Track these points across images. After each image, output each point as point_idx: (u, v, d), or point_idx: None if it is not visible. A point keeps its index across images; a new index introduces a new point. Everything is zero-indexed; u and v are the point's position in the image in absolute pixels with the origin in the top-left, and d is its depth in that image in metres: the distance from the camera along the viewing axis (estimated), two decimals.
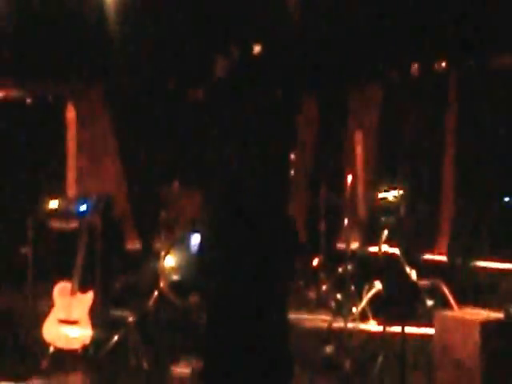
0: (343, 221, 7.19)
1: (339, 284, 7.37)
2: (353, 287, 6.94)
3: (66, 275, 5.97)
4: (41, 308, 6.20)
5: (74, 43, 7.83)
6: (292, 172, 7.94)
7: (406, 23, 7.43)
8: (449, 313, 5.85)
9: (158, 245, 7.59)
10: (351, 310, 6.80)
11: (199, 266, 6.45)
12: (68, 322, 5.79)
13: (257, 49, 4.82)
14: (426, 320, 6.37)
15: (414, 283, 7.01)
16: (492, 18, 7.05)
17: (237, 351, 4.21)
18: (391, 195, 7.04)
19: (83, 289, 5.90)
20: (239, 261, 4.29)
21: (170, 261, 7.10)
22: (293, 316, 6.28)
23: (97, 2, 7.00)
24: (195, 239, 7.17)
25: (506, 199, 7.94)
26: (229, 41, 5.07)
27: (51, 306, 5.88)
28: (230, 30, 6.72)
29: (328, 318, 6.88)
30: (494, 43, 7.51)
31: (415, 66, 8.41)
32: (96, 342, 5.85)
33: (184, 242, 7.27)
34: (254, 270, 4.27)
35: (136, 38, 7.81)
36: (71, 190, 8.70)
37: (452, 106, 8.42)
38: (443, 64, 8.31)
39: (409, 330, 5.74)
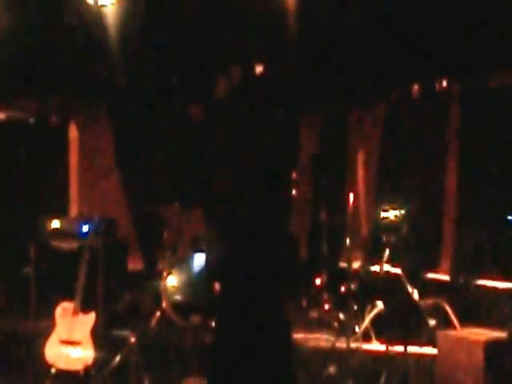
0: (345, 240, 7.18)
1: (342, 303, 7.34)
2: (355, 307, 6.92)
3: (68, 296, 5.96)
4: (43, 329, 6.18)
5: (76, 63, 7.87)
6: (294, 191, 7.97)
7: (406, 42, 7.45)
8: (452, 332, 5.84)
9: (160, 265, 7.58)
10: (354, 329, 6.78)
11: (205, 285, 6.45)
12: (70, 342, 5.77)
13: (258, 69, 4.85)
14: (429, 340, 6.35)
15: (416, 303, 6.99)
16: (492, 36, 7.08)
17: (241, 371, 4.21)
18: (393, 214, 7.04)
19: (85, 309, 5.89)
20: (242, 279, 4.29)
21: (172, 281, 7.09)
22: (295, 335, 6.27)
23: (98, 22, 7.03)
24: (198, 259, 7.17)
25: (510, 217, 7.93)
26: (230, 61, 5.10)
27: (53, 326, 5.86)
28: (232, 50, 6.76)
29: (331, 337, 6.86)
30: (494, 62, 7.53)
31: (416, 86, 8.44)
32: (98, 363, 5.83)
33: (186, 261, 7.27)
34: (256, 288, 4.27)
35: (138, 57, 7.85)
36: (73, 211, 8.73)
37: (453, 125, 8.43)
38: (444, 83, 8.33)
39: (411, 349, 5.73)
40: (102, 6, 6.78)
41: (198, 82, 7.92)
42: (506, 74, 7.75)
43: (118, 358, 5.98)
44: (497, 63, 7.54)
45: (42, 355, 5.79)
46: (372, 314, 6.94)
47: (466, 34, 7.18)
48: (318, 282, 8.28)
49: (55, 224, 7.06)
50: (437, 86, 8.37)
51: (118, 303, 7.54)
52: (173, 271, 7.08)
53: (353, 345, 6.37)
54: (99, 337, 5.95)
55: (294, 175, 7.70)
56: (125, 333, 6.53)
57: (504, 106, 7.80)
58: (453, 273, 8.09)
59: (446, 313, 6.99)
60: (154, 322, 6.88)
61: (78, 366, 5.74)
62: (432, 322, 6.90)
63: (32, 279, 6.54)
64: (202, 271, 7.02)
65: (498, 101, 7.85)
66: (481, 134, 8.07)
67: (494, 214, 7.98)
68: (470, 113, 8.21)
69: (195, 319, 6.78)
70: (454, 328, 6.66)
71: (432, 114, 8.62)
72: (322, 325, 7.65)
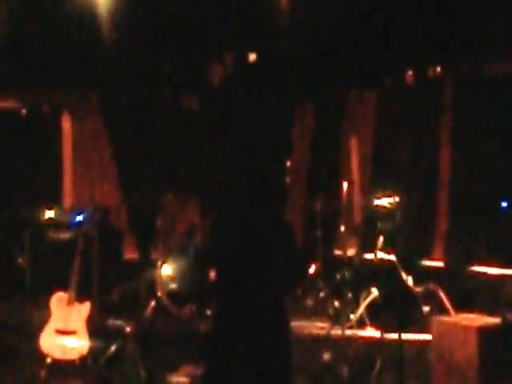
0: (340, 228, 7.20)
1: (336, 291, 7.37)
2: (350, 294, 6.94)
3: (63, 285, 5.95)
4: (38, 318, 6.18)
5: (68, 53, 7.84)
6: (288, 179, 7.97)
7: (400, 29, 7.45)
8: (446, 318, 5.85)
9: (155, 254, 7.58)
10: (349, 316, 6.80)
11: (200, 273, 6.46)
12: (65, 332, 5.77)
13: (252, 57, 4.84)
14: (423, 326, 6.37)
15: (410, 289, 7.01)
16: (487, 24, 7.07)
17: (238, 358, 4.21)
18: (387, 202, 7.05)
19: (80, 299, 5.88)
20: (238, 268, 4.29)
21: (167, 270, 7.10)
22: (291, 323, 6.28)
23: (91, 12, 7.01)
24: (192, 248, 7.18)
25: (504, 204, 7.95)
26: (224, 49, 5.08)
27: (48, 316, 5.86)
28: (225, 38, 6.75)
29: (326, 324, 6.89)
30: (488, 49, 7.53)
31: (410, 72, 8.44)
32: (93, 353, 5.83)
33: (181, 250, 7.27)
34: (253, 276, 4.27)
35: (131, 47, 7.83)
36: (67, 200, 8.71)
37: (447, 111, 8.44)
38: (438, 69, 8.33)
39: (406, 336, 5.75)
40: None
41: (192, 70, 7.92)
42: (499, 60, 7.75)
43: (113, 348, 5.98)
44: (490, 50, 7.55)
45: (37, 345, 5.79)
46: (367, 301, 6.96)
47: (458, 20, 7.18)
48: (312, 269, 8.30)
49: (49, 214, 7.05)
50: (430, 72, 8.37)
51: (113, 292, 7.55)
52: (168, 260, 7.09)
53: (348, 332, 6.39)
54: (94, 326, 5.95)
55: (288, 163, 7.71)
56: (120, 322, 6.55)
57: (497, 93, 7.81)
58: (447, 259, 8.12)
59: (440, 299, 7.01)
60: (149, 310, 6.89)
61: (74, 356, 5.75)
62: (426, 309, 6.93)
63: (27, 269, 6.54)
64: (195, 259, 7.03)
65: (492, 87, 7.86)
66: (474, 121, 8.07)
67: (487, 200, 8.00)
68: (463, 100, 8.21)
69: (190, 307, 6.79)
70: (448, 314, 6.68)
71: (425, 101, 8.62)
72: (317, 312, 7.68)
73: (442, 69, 8.31)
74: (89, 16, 7.13)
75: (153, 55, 8.06)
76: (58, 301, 5.88)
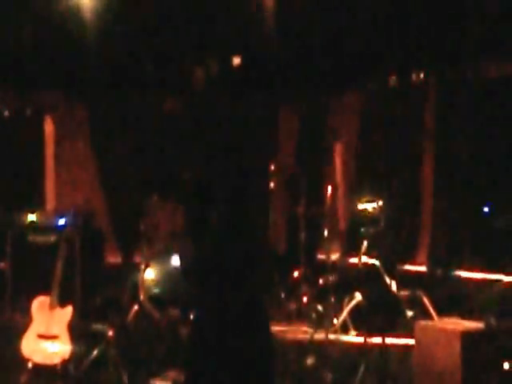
0: (323, 232, 7.20)
1: (320, 295, 7.36)
2: (333, 298, 6.93)
3: (44, 289, 5.91)
4: (19, 323, 6.13)
5: (52, 56, 7.80)
6: (271, 183, 7.97)
7: (383, 34, 7.47)
8: (429, 323, 5.86)
9: (138, 258, 7.54)
10: (332, 321, 6.79)
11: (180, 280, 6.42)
12: (47, 336, 5.73)
13: (236, 60, 4.83)
14: (407, 331, 6.38)
15: (394, 294, 7.02)
16: (469, 29, 7.11)
17: (219, 364, 4.20)
18: (371, 206, 7.06)
19: (62, 303, 5.84)
20: (216, 272, 4.27)
21: (149, 274, 7.06)
22: (274, 328, 6.27)
23: (74, 14, 6.97)
24: (175, 253, 7.15)
25: (486, 209, 7.98)
26: (207, 52, 5.07)
27: (30, 320, 5.82)
28: (209, 41, 6.73)
29: (309, 329, 6.87)
30: (471, 54, 7.57)
31: (393, 77, 8.46)
32: (75, 357, 5.79)
33: (164, 254, 7.24)
34: (231, 281, 4.25)
35: (114, 48, 7.80)
36: (50, 204, 8.66)
37: (430, 117, 8.46)
38: (421, 75, 8.36)
39: (389, 340, 5.75)
40: None
41: (175, 74, 7.90)
42: (483, 65, 7.79)
43: (95, 352, 5.94)
44: (474, 54, 7.58)
45: (18, 349, 5.74)
46: (350, 306, 6.96)
47: (443, 26, 7.21)
48: (296, 274, 8.29)
49: (31, 217, 7.00)
50: (413, 77, 8.40)
51: (96, 297, 7.50)
52: (150, 264, 7.05)
53: (331, 336, 6.39)
54: (76, 331, 5.91)
55: (271, 167, 7.71)
56: (102, 326, 6.50)
57: (480, 97, 7.84)
58: (430, 264, 8.14)
59: (423, 304, 7.03)
60: (131, 315, 6.84)
61: (56, 360, 5.70)
62: (410, 313, 6.94)
63: (8, 273, 6.49)
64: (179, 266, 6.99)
65: (476, 91, 7.89)
66: (457, 126, 8.11)
67: (470, 205, 8.03)
68: (446, 105, 8.25)
69: (173, 312, 6.76)
70: (432, 319, 6.70)
71: (408, 106, 8.64)
72: (300, 317, 7.66)
73: (424, 74, 8.34)
74: (73, 18, 7.10)
75: (136, 57, 8.03)
76: (39, 305, 5.83)
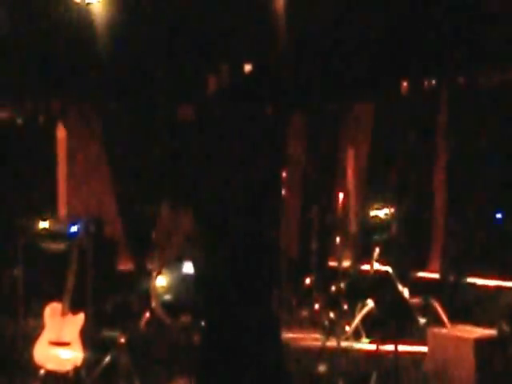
0: (335, 239, 7.18)
1: (332, 302, 7.34)
2: (345, 306, 6.91)
3: (56, 296, 5.92)
4: (31, 329, 6.15)
5: (64, 63, 7.83)
6: (283, 191, 7.97)
7: (395, 40, 7.47)
8: (442, 330, 5.84)
9: (149, 265, 7.55)
10: (344, 328, 6.77)
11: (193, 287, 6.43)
12: (59, 343, 5.74)
13: (247, 67, 4.84)
14: (419, 338, 6.35)
15: (406, 301, 7.00)
16: (481, 35, 7.10)
17: (231, 371, 4.19)
18: (383, 213, 7.05)
19: (74, 310, 5.85)
20: (227, 280, 4.27)
21: (161, 281, 7.06)
22: (286, 335, 6.26)
23: (85, 20, 6.99)
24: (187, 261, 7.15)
25: (498, 215, 7.95)
26: (219, 59, 5.08)
27: (42, 327, 5.83)
28: (221, 48, 6.75)
29: (321, 336, 6.85)
30: (482, 61, 7.56)
31: (405, 84, 8.45)
32: (87, 364, 5.80)
33: (176, 261, 7.24)
34: (243, 288, 4.25)
35: (126, 55, 7.83)
36: (62, 211, 8.67)
37: (443, 123, 8.45)
38: (433, 82, 8.35)
39: (402, 348, 5.73)
40: (89, 3, 6.74)
41: (188, 81, 7.92)
42: (494, 72, 7.77)
43: (107, 359, 5.95)
44: (483, 62, 7.57)
45: (30, 356, 5.75)
46: (362, 313, 6.95)
47: (453, 33, 7.21)
48: (308, 281, 8.28)
49: (43, 224, 7.01)
50: (425, 83, 8.39)
51: (107, 303, 7.51)
52: (162, 271, 7.05)
53: (343, 344, 6.37)
54: (88, 337, 5.92)
55: (283, 174, 7.71)
56: (114, 333, 6.50)
57: (492, 104, 7.83)
58: (442, 271, 8.11)
59: (435, 311, 7.01)
60: (143, 322, 6.85)
61: (68, 367, 5.71)
62: (422, 321, 6.91)
63: (20, 280, 6.50)
64: (192, 273, 6.99)
65: (486, 99, 7.87)
66: (470, 133, 8.09)
67: (482, 212, 8.00)
68: (458, 112, 8.23)
69: (185, 319, 6.75)
70: (444, 326, 6.67)
71: (421, 113, 8.63)
72: (312, 324, 7.65)
73: (436, 81, 8.33)
74: (85, 27, 7.13)
75: (149, 65, 8.06)
76: (51, 312, 5.84)
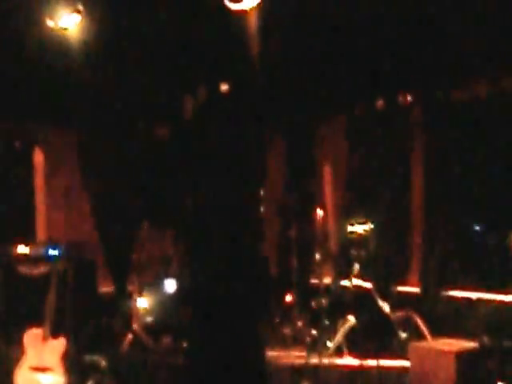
0: (315, 255, 7.20)
1: (314, 319, 7.35)
2: (327, 322, 6.93)
3: (37, 321, 5.88)
4: (12, 355, 6.09)
5: (39, 87, 7.82)
6: (262, 208, 7.99)
7: (368, 57, 7.53)
8: (423, 344, 5.87)
9: (130, 286, 7.53)
10: (326, 344, 6.78)
11: (176, 306, 6.42)
12: (40, 369, 5.69)
13: (224, 87, 4.87)
14: (401, 352, 6.37)
15: (387, 316, 7.02)
16: (454, 51, 7.18)
17: None
18: (361, 228, 7.08)
19: (55, 334, 5.81)
20: (213, 300, 4.28)
21: (142, 302, 7.04)
22: (269, 353, 6.25)
23: (61, 46, 6.99)
24: (168, 281, 7.14)
25: (477, 228, 8.01)
26: (196, 81, 5.11)
27: (22, 353, 5.78)
28: (197, 70, 6.78)
29: (304, 353, 6.86)
30: (456, 76, 7.64)
31: (380, 100, 8.51)
32: None
33: (156, 282, 7.23)
34: (227, 306, 4.26)
35: (103, 80, 7.82)
36: (40, 235, 8.61)
37: (418, 136, 8.51)
38: (408, 97, 8.41)
39: (384, 362, 5.75)
40: (64, 29, 6.74)
41: (164, 102, 7.94)
42: (468, 86, 7.85)
43: (89, 383, 5.91)
44: (459, 76, 7.65)
45: (11, 382, 5.70)
46: (344, 329, 6.95)
47: (428, 48, 7.28)
48: (288, 298, 8.28)
49: (22, 249, 6.98)
50: (400, 99, 8.45)
51: (89, 327, 7.47)
52: (143, 293, 7.04)
53: (326, 360, 6.38)
54: (70, 362, 5.88)
55: (261, 192, 7.74)
56: (96, 357, 6.47)
57: (468, 119, 7.90)
58: (422, 285, 8.14)
59: (416, 325, 7.03)
60: (125, 344, 6.82)
61: None
62: (403, 335, 6.94)
63: (0, 305, 6.45)
64: (172, 294, 6.98)
65: (462, 113, 7.95)
66: (445, 145, 8.15)
67: (461, 225, 8.05)
68: (434, 125, 8.30)
69: (166, 341, 6.74)
70: (426, 339, 6.70)
71: (396, 126, 8.69)
72: (294, 341, 7.64)
73: (411, 95, 8.40)
74: (61, 49, 7.12)
75: (125, 87, 8.06)
76: (32, 337, 5.80)
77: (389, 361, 6.22)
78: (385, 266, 7.90)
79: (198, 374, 4.27)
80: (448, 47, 7.15)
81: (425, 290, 8.03)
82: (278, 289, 8.66)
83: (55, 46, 6.95)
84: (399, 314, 7.14)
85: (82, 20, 6.63)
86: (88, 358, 6.62)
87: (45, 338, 5.77)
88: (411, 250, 8.54)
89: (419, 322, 7.02)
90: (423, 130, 8.46)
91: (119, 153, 9.20)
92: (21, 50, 7.20)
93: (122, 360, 6.63)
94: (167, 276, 7.25)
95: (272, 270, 9.58)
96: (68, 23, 6.69)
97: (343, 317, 7.02)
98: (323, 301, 6.91)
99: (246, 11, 6.51)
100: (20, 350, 5.81)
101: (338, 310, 7.10)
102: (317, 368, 6.30)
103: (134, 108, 8.60)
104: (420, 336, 6.86)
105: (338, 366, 6.54)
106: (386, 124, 8.70)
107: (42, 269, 6.91)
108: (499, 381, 5.35)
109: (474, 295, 7.53)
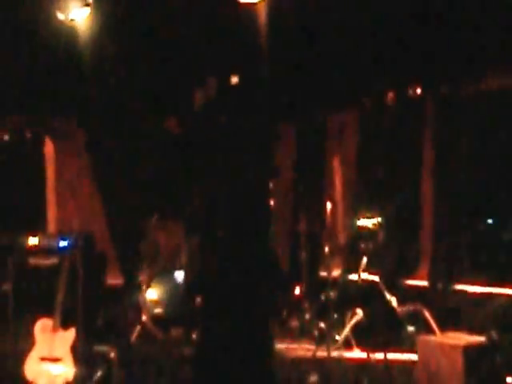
0: (324, 249, 7.21)
1: (322, 312, 7.36)
2: (335, 315, 6.94)
3: (47, 312, 5.91)
4: (22, 346, 6.13)
5: (49, 79, 7.84)
6: (271, 201, 7.99)
7: (380, 50, 7.51)
8: (431, 338, 5.86)
9: (139, 278, 7.55)
10: (334, 338, 6.79)
11: (185, 297, 6.44)
12: (50, 359, 5.73)
13: (234, 79, 4.87)
14: (409, 346, 6.38)
15: (395, 309, 7.02)
16: (465, 44, 7.15)
17: (222, 382, 4.21)
18: (370, 222, 7.08)
19: (65, 325, 5.85)
20: (220, 292, 4.29)
21: (151, 294, 7.07)
22: (276, 345, 6.27)
23: (72, 38, 7.01)
24: (178, 272, 7.16)
25: (489, 221, 7.99)
26: (206, 73, 5.11)
27: (33, 343, 5.82)
28: (207, 62, 6.78)
29: (312, 346, 6.87)
30: (467, 70, 7.61)
31: (391, 93, 8.49)
32: (79, 379, 5.79)
33: (166, 274, 7.25)
34: (235, 299, 4.27)
35: (112, 71, 7.84)
36: (51, 226, 8.67)
37: (429, 131, 8.49)
38: (418, 90, 8.39)
39: (392, 356, 5.76)
40: (73, 20, 6.76)
41: (175, 95, 7.94)
42: (479, 81, 7.83)
43: (98, 374, 5.94)
44: (470, 71, 7.63)
45: (21, 373, 5.74)
46: (352, 322, 6.96)
47: (439, 42, 7.25)
48: (297, 291, 8.29)
49: (33, 240, 7.01)
50: (410, 92, 8.43)
51: (98, 318, 7.50)
52: (152, 284, 7.06)
53: (334, 353, 6.39)
54: (80, 352, 5.91)
55: (271, 185, 7.74)
56: (105, 348, 6.50)
57: (478, 113, 7.87)
58: (431, 278, 8.13)
59: (425, 319, 7.03)
60: (134, 335, 6.85)
61: (59, 383, 5.70)
62: (411, 328, 6.93)
63: (11, 296, 6.49)
64: (181, 285, 7.00)
65: (473, 108, 7.92)
66: (457, 140, 8.13)
67: (471, 219, 8.04)
68: (444, 120, 8.27)
69: (176, 332, 6.76)
70: (434, 333, 6.69)
71: (407, 121, 8.67)
72: (302, 334, 7.66)
73: (421, 89, 8.37)
74: (71, 41, 7.14)
75: (136, 80, 8.07)
76: (42, 327, 5.84)
77: (397, 354, 6.23)
78: (393, 259, 7.90)
79: (207, 365, 4.29)
80: (459, 40, 7.12)
81: (434, 283, 8.02)
82: (288, 282, 8.67)
83: (66, 37, 6.97)
84: (407, 307, 7.14)
85: (91, 13, 6.66)
86: (97, 348, 6.65)
87: (55, 329, 5.80)
88: (421, 244, 8.53)
89: (427, 315, 7.02)
90: (434, 124, 8.43)
91: (129, 145, 9.22)
92: (32, 41, 7.23)
93: (131, 351, 6.66)
94: (176, 267, 7.27)
95: (282, 263, 9.59)
96: (78, 16, 6.72)
97: (351, 310, 7.02)
98: (332, 294, 6.92)
99: (254, 3, 6.52)
100: (30, 341, 5.85)
101: (346, 304, 7.11)
102: (325, 361, 6.31)
103: (145, 101, 8.61)
104: (428, 330, 6.86)
105: (345, 359, 6.55)
106: (396, 117, 8.68)
107: (52, 260, 6.95)
108: (507, 375, 5.35)
109: (483, 289, 7.52)
